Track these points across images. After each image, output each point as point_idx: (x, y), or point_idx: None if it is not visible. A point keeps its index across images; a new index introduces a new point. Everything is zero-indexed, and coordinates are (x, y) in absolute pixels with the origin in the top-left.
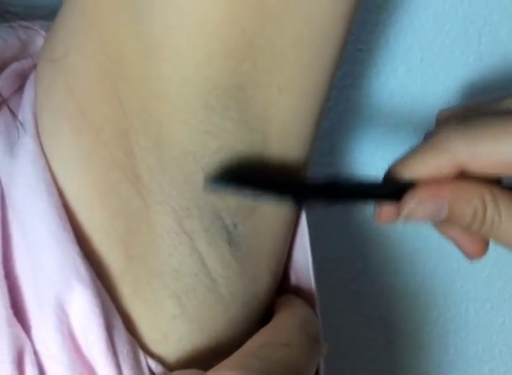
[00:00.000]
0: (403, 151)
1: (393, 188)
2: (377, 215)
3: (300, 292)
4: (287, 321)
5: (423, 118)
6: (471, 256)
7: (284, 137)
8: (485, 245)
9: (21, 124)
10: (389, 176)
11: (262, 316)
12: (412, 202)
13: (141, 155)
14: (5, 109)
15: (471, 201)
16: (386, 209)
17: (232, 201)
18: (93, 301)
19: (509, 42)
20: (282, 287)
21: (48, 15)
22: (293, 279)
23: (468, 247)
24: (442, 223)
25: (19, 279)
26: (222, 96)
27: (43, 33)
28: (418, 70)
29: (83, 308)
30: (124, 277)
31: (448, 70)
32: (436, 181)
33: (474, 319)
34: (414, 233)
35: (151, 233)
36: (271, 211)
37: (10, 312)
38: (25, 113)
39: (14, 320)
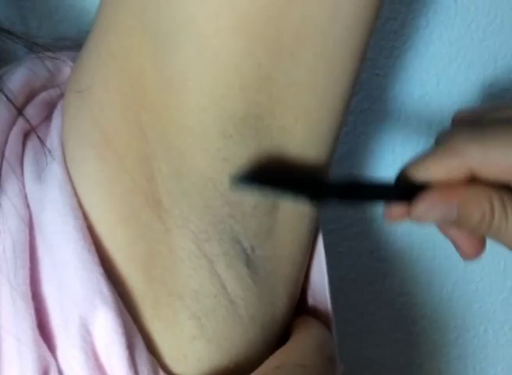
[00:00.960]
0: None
1: (405, 189)
2: (387, 213)
3: (317, 313)
4: (303, 342)
5: None
6: (468, 256)
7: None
8: (483, 246)
9: (49, 151)
10: (402, 178)
11: (279, 337)
12: (423, 205)
13: (162, 180)
14: (34, 137)
15: (480, 205)
16: (397, 209)
17: (250, 224)
18: (116, 322)
19: None
20: (300, 308)
21: (75, 46)
22: (311, 300)
23: (466, 247)
24: (448, 224)
25: (46, 300)
26: (239, 125)
27: (70, 63)
28: (435, 94)
29: (107, 329)
30: (145, 298)
31: (464, 94)
32: (447, 184)
33: (493, 340)
34: (432, 255)
35: (172, 256)
36: (288, 235)
37: (36, 332)
38: (53, 141)
39: (40, 340)
